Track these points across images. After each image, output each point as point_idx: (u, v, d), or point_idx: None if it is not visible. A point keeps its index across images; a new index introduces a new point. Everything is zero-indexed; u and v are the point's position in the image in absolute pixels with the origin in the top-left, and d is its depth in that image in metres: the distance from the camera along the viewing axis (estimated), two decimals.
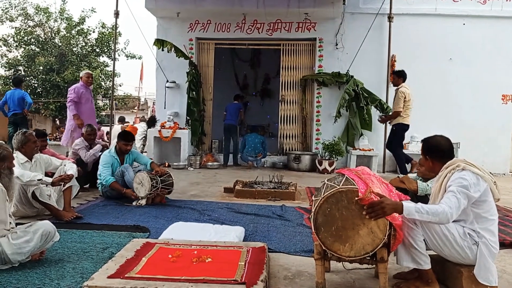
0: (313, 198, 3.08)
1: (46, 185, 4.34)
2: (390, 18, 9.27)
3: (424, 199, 4.00)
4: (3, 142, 3.36)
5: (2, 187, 2.98)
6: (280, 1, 9.81)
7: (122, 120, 13.28)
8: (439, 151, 3.00)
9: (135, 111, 32.66)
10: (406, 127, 7.64)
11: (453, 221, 2.84)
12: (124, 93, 29.82)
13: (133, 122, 26.38)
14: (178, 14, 9.61)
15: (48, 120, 26.11)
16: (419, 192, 4.08)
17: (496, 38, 9.49)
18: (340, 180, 2.97)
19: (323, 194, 2.92)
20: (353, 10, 9.64)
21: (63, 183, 4.47)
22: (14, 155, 4.48)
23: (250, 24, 9.87)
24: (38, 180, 4.20)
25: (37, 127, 27.10)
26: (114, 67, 10.69)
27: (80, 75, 7.87)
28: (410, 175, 4.48)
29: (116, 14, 9.67)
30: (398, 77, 7.64)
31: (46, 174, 4.71)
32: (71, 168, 4.66)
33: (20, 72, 22.62)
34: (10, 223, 3.09)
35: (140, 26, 9.61)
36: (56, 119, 24.04)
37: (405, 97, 7.45)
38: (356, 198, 2.77)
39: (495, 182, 2.84)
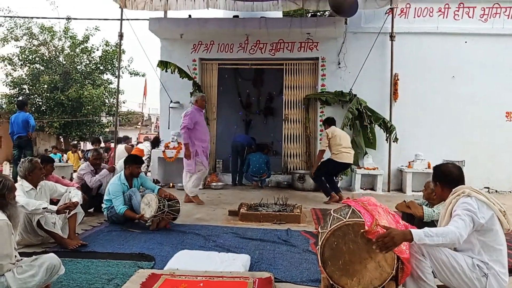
0: (319, 230, 3.07)
1: (51, 213, 4.35)
2: (392, 37, 9.31)
3: (430, 225, 3.98)
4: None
5: (8, 221, 2.98)
6: (282, 21, 9.93)
7: (125, 139, 13.29)
8: (450, 178, 3.03)
9: (139, 127, 32.81)
10: (337, 164, 7.65)
11: (461, 252, 2.84)
12: (128, 109, 30.01)
13: (137, 139, 26.51)
14: (181, 35, 9.69)
15: (52, 138, 26.21)
16: (425, 218, 4.06)
17: (498, 55, 9.51)
18: (347, 212, 2.96)
19: (330, 227, 2.91)
20: (355, 29, 9.69)
21: (68, 210, 4.47)
22: (19, 182, 4.52)
23: (253, 45, 9.94)
24: (43, 208, 4.21)
25: (41, 145, 27.23)
26: (119, 86, 10.76)
27: (194, 99, 7.40)
28: (416, 200, 4.45)
29: (120, 36, 9.78)
30: (324, 124, 8.20)
31: (51, 201, 4.72)
32: (76, 195, 4.67)
33: (24, 90, 22.80)
34: (15, 256, 3.08)
35: (144, 43, 9.67)
36: (60, 137, 24.13)
37: (328, 136, 7.75)
38: (362, 231, 2.77)
39: (504, 212, 2.83)
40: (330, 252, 2.85)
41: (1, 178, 3.06)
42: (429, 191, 4.27)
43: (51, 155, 14.22)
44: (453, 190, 2.96)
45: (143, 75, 24.38)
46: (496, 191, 9.43)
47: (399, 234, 2.55)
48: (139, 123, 33.10)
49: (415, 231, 2.58)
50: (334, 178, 7.95)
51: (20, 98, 21.14)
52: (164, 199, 5.25)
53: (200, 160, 7.24)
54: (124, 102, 26.35)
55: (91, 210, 6.21)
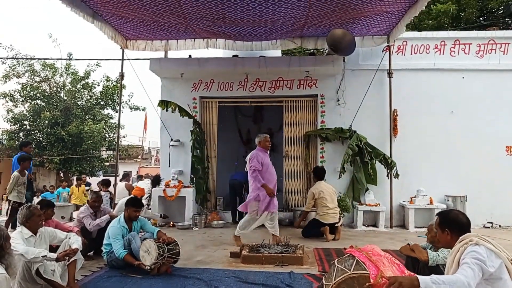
0: (324, 282, 3.02)
1: (51, 261, 4.29)
2: (389, 73, 9.44)
3: (435, 269, 3.93)
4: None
5: (6, 274, 2.93)
6: (281, 60, 10.10)
7: (126, 176, 13.27)
8: (459, 226, 3.02)
9: (139, 160, 32.84)
10: (322, 224, 7.81)
11: None
12: (128, 143, 30.10)
13: (137, 172, 26.42)
14: (182, 74, 9.83)
15: (52, 173, 26.19)
16: (430, 262, 3.99)
17: (496, 90, 9.61)
18: (351, 263, 2.92)
19: (334, 279, 2.86)
20: (353, 66, 9.83)
21: (67, 257, 4.41)
22: (19, 229, 4.48)
23: (253, 83, 10.06)
24: (43, 256, 4.16)
25: (41, 180, 27.17)
26: (119, 124, 10.83)
27: (258, 140, 7.21)
28: (420, 243, 4.39)
29: (121, 76, 9.91)
30: (313, 175, 8.41)
31: (51, 247, 4.67)
32: (76, 242, 4.62)
33: (25, 126, 22.93)
34: None
35: (145, 79, 9.85)
36: (60, 172, 24.11)
37: (314, 196, 7.94)
38: (367, 284, 2.73)
39: None
40: None
41: None
42: (433, 234, 4.21)
43: (60, 189, 14.20)
44: (460, 238, 2.93)
45: (143, 110, 24.62)
46: (499, 226, 9.34)
47: (406, 281, 2.53)
48: (139, 157, 33.15)
49: (422, 278, 2.56)
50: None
51: (22, 139, 21.28)
52: (163, 244, 5.17)
53: (257, 206, 6.92)
54: (124, 137, 26.46)
55: (91, 253, 6.13)
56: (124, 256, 5.28)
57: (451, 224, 3.05)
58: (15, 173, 8.03)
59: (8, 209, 8.03)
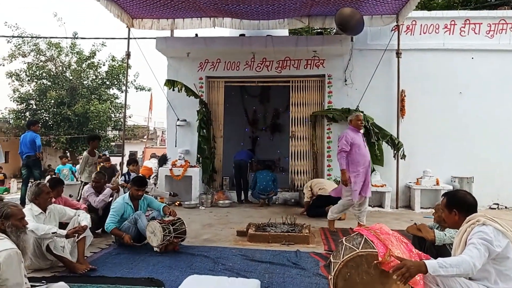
0: (331, 259, 3.03)
1: (60, 237, 4.35)
2: (398, 54, 9.32)
3: (442, 248, 3.94)
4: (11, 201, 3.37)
5: (17, 249, 2.97)
6: (289, 40, 10.00)
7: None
8: (467, 206, 3.02)
9: (145, 141, 32.93)
10: (325, 197, 7.83)
11: (476, 281, 2.80)
12: (134, 123, 30.15)
13: (142, 152, 26.51)
14: (188, 54, 9.76)
15: (59, 153, 26.34)
16: (437, 242, 4.00)
17: (505, 71, 9.49)
18: (359, 241, 2.93)
19: (342, 257, 2.88)
20: (361, 46, 9.72)
21: (77, 234, 4.47)
22: (28, 206, 4.53)
23: (259, 62, 9.99)
24: (53, 233, 4.22)
25: (47, 160, 27.39)
26: (126, 104, 10.80)
27: (349, 119, 6.75)
28: (427, 223, 4.40)
29: (128, 55, 9.86)
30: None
31: (60, 224, 4.72)
32: (85, 219, 4.67)
33: (31, 105, 22.98)
34: (25, 283, 3.07)
35: (151, 59, 9.77)
36: (67, 152, 24.26)
37: (309, 186, 8.27)
38: (376, 262, 2.74)
39: None
40: (343, 283, 2.82)
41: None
42: (440, 213, 4.22)
43: (60, 166, 14.07)
44: (467, 218, 2.93)
45: (149, 90, 24.56)
46: (505, 207, 9.33)
47: (414, 265, 2.54)
48: (145, 137, 33.23)
49: (429, 263, 2.57)
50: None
51: (28, 118, 21.30)
52: (168, 224, 5.20)
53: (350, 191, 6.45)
54: (130, 117, 26.51)
55: (99, 231, 6.19)
56: (112, 230, 5.39)
57: (459, 204, 3.04)
58: (85, 153, 7.94)
59: (80, 189, 7.88)
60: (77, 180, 12.07)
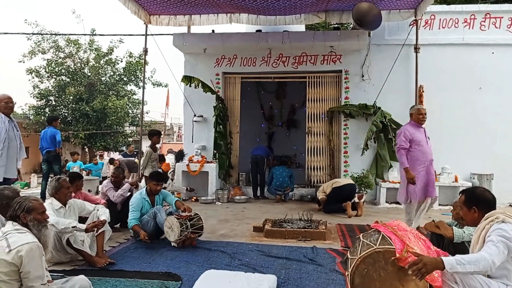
0: (348, 256, 3.04)
1: (80, 232, 4.43)
2: (416, 48, 9.20)
3: (461, 245, 3.90)
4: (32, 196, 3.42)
5: (38, 243, 3.03)
6: (305, 35, 9.95)
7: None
8: (486, 202, 3.00)
9: (162, 136, 33.15)
10: (339, 189, 7.94)
11: (495, 279, 2.77)
12: (151, 119, 30.40)
13: (159, 147, 26.71)
14: (205, 50, 9.79)
15: (78, 148, 26.68)
16: (455, 239, 3.95)
17: None
18: (376, 238, 2.92)
19: (360, 253, 2.88)
20: (378, 41, 9.62)
21: (96, 228, 4.54)
22: (49, 201, 4.61)
23: (276, 58, 9.97)
24: (73, 227, 4.30)
25: (66, 155, 27.79)
26: (143, 101, 10.87)
27: (410, 112, 6.37)
28: (445, 220, 4.35)
29: (145, 51, 9.94)
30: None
31: (80, 219, 4.81)
32: (104, 213, 4.75)
33: (51, 101, 23.35)
34: (46, 276, 3.13)
35: (168, 55, 9.82)
36: (85, 147, 24.60)
37: (324, 188, 8.24)
38: (393, 258, 2.73)
39: None
40: (360, 280, 2.81)
41: (20, 199, 3.13)
42: (458, 210, 4.17)
43: (71, 163, 14.19)
44: (486, 215, 2.90)
45: (166, 86, 24.74)
46: None
47: (431, 262, 2.52)
48: (162, 133, 33.45)
49: (447, 259, 2.54)
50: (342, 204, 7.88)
51: (48, 114, 21.63)
52: (186, 219, 5.25)
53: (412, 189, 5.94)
54: (147, 113, 26.79)
55: (117, 225, 6.29)
56: (133, 226, 5.45)
57: (478, 201, 3.02)
58: (147, 149, 7.90)
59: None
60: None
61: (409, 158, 5.98)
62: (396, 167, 9.27)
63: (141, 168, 7.84)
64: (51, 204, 4.51)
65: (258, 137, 13.27)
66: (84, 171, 13.43)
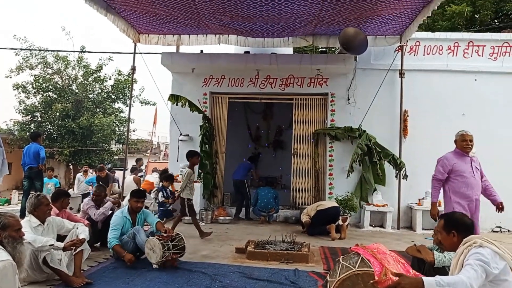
0: (328, 278, 3.01)
1: (58, 250, 4.33)
2: (401, 74, 9.37)
3: (441, 270, 3.89)
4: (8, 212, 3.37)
5: (12, 261, 2.96)
6: (293, 58, 10.08)
7: (134, 170, 13.30)
8: (465, 226, 3.03)
9: (148, 155, 32.98)
10: (324, 212, 7.90)
11: None
12: (138, 137, 30.27)
13: (145, 166, 26.51)
14: (193, 69, 9.83)
15: (62, 165, 26.39)
16: (436, 264, 3.95)
17: (509, 93, 9.48)
18: (356, 260, 2.91)
19: (339, 275, 2.86)
20: (364, 66, 9.77)
21: (74, 247, 4.45)
22: (27, 218, 4.53)
23: (263, 79, 10.04)
24: (50, 245, 4.20)
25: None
26: (129, 118, 10.87)
27: (455, 138, 5.74)
28: (427, 244, 4.35)
29: (133, 69, 9.95)
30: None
31: (59, 237, 4.71)
32: (83, 232, 4.67)
33: (37, 117, 23.13)
34: None
35: (156, 73, 9.84)
36: (70, 164, 24.31)
37: (308, 211, 8.15)
38: (372, 281, 2.72)
39: None
40: None
41: None
42: (438, 235, 4.18)
43: (45, 179, 13.58)
44: (464, 240, 2.92)
45: (154, 104, 24.72)
46: (508, 230, 9.24)
47: (411, 282, 2.53)
48: (148, 151, 33.29)
49: (426, 280, 2.55)
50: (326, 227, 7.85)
51: (33, 130, 21.41)
52: (168, 240, 5.17)
53: None
54: (134, 131, 26.60)
55: (97, 244, 6.17)
56: (113, 246, 5.34)
57: (458, 226, 3.05)
58: (188, 170, 7.57)
59: (185, 207, 7.43)
60: None
61: (451, 191, 5.41)
62: (380, 190, 9.32)
63: (179, 189, 7.58)
64: (29, 222, 4.43)
65: (244, 157, 13.23)
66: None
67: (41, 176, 8.81)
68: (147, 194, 8.44)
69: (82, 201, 10.66)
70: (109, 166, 26.66)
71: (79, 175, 13.25)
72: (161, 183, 8.23)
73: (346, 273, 2.82)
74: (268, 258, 5.70)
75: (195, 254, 6.04)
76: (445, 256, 3.95)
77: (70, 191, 11.97)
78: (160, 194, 7.81)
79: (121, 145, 26.03)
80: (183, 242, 5.35)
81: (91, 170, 13.06)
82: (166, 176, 8.73)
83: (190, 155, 7.68)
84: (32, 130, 21.55)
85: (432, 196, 5.54)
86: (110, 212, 6.38)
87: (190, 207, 7.41)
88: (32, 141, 8.91)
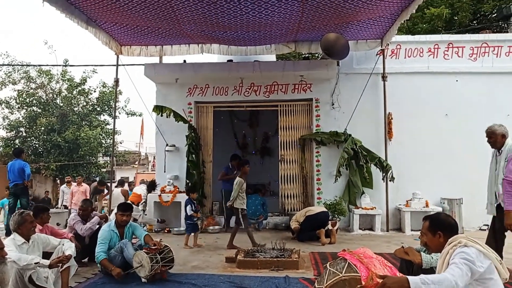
0: (315, 285, 3.02)
1: (44, 268, 4.27)
2: (384, 77, 9.48)
3: (429, 271, 3.92)
4: None
5: None
6: (276, 65, 10.15)
7: (122, 183, 13.21)
8: (450, 226, 3.06)
9: (136, 166, 32.75)
10: (313, 217, 7.94)
11: None
12: (125, 149, 30.06)
13: (134, 178, 26.33)
14: (176, 80, 9.83)
15: (49, 180, 26.09)
16: (424, 265, 3.97)
17: (490, 93, 9.64)
18: (343, 266, 2.92)
19: (326, 282, 2.87)
20: (347, 70, 9.86)
21: (61, 264, 4.39)
22: (12, 236, 4.46)
23: (248, 87, 10.07)
24: (36, 263, 4.14)
25: (37, 187, 27.09)
26: (114, 129, 10.82)
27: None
28: (414, 246, 4.38)
29: (116, 81, 9.91)
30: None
31: (45, 254, 4.65)
32: (70, 248, 4.60)
33: (21, 133, 22.90)
34: None
35: (140, 84, 9.80)
36: (57, 179, 24.05)
37: (297, 218, 8.15)
38: (358, 286, 2.73)
39: (501, 261, 2.82)
40: None
41: None
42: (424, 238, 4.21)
43: (4, 200, 12.94)
44: (449, 240, 2.95)
45: (140, 115, 24.62)
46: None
47: (396, 281, 2.56)
48: (136, 163, 33.07)
49: (412, 279, 2.58)
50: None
51: (17, 146, 21.16)
52: (156, 253, 5.13)
53: None
54: (121, 143, 26.42)
55: (85, 260, 6.10)
56: (101, 260, 5.29)
57: (443, 226, 3.07)
58: (239, 179, 7.37)
59: (239, 217, 7.32)
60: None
61: None
62: (368, 193, 9.37)
63: (230, 199, 7.51)
64: (13, 240, 4.36)
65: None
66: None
67: (27, 192, 8.73)
68: (134, 206, 8.39)
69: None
70: (97, 179, 26.46)
71: (63, 187, 13.05)
72: (189, 195, 7.95)
73: (333, 279, 2.83)
74: (258, 266, 5.69)
75: (185, 265, 6.00)
76: (432, 257, 3.98)
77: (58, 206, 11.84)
78: (188, 207, 7.61)
79: (108, 158, 25.83)
80: (172, 254, 5.32)
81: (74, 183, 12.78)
82: (191, 188, 8.40)
83: (243, 163, 7.59)
84: (17, 146, 21.31)
85: (505, 203, 4.69)
86: (97, 226, 6.31)
87: (244, 217, 7.33)
88: (15, 157, 8.81)
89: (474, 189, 9.17)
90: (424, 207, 9.01)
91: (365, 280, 2.73)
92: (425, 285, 2.53)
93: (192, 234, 7.60)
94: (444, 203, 9.22)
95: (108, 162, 26.21)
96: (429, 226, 3.12)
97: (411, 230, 8.93)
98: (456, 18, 16.78)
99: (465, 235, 2.94)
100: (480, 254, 2.74)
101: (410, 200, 9.18)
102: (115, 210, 7.89)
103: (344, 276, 2.82)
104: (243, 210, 7.33)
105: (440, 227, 3.08)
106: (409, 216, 9.00)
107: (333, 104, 9.83)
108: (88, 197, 11.24)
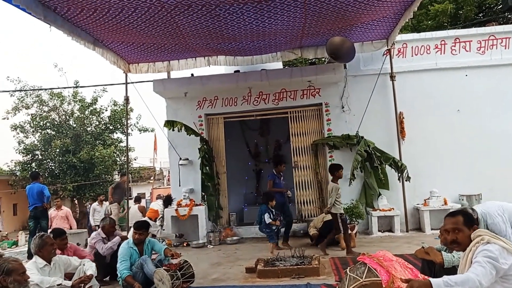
0: None
1: None
2: (392, 77, 9.43)
3: (452, 270, 3.86)
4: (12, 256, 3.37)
5: None
6: (283, 72, 10.16)
7: (138, 200, 13.29)
8: (478, 221, 3.04)
9: (151, 182, 32.93)
10: (327, 223, 7.85)
11: None
12: (139, 165, 30.22)
13: (150, 194, 26.42)
14: (185, 94, 9.92)
15: (67, 201, 26.35)
16: (446, 264, 3.92)
17: (500, 85, 9.53)
18: (363, 271, 2.90)
19: (347, 287, 2.84)
20: (355, 73, 9.83)
21: (82, 284, 4.43)
22: (33, 259, 4.52)
23: (256, 96, 10.10)
24: (58, 285, 4.19)
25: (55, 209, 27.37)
26: (128, 147, 10.92)
27: None
28: (435, 245, 4.33)
29: (126, 99, 10.02)
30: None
31: (67, 275, 4.70)
32: (90, 268, 4.66)
33: (37, 156, 23.19)
34: None
35: (150, 100, 9.91)
36: (75, 199, 24.27)
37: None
38: None
39: None
40: None
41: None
42: (446, 235, 4.15)
43: None
44: (472, 236, 2.90)
45: (152, 130, 24.76)
46: None
47: (420, 285, 2.52)
48: (152, 178, 33.25)
49: (435, 281, 2.55)
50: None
51: (34, 169, 21.43)
52: (176, 270, 5.15)
53: None
54: (135, 159, 26.62)
55: (107, 279, 6.14)
56: (125, 277, 5.31)
57: (475, 221, 3.04)
58: (334, 184, 7.40)
59: (339, 223, 7.26)
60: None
61: None
62: (385, 195, 9.28)
63: (328, 205, 7.39)
64: (35, 263, 4.42)
65: (246, 175, 13.24)
66: None
67: (47, 215, 8.82)
68: (152, 222, 8.44)
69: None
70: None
71: (94, 204, 13.11)
72: (267, 203, 7.87)
73: (353, 285, 2.82)
74: (279, 275, 5.68)
75: (205, 278, 6.00)
76: (453, 256, 3.93)
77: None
78: (266, 215, 7.55)
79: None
80: (192, 270, 5.36)
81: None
82: (269, 196, 8.26)
83: (335, 169, 7.62)
84: (33, 169, 21.59)
85: None
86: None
87: (343, 222, 7.32)
88: (33, 181, 8.93)
89: (491, 183, 9.12)
90: (442, 205, 8.91)
91: (386, 284, 2.71)
92: (447, 286, 2.50)
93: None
94: (463, 199, 9.10)
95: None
96: (464, 221, 2.98)
97: (431, 229, 8.82)
98: (461, 12, 16.66)
99: (487, 231, 2.90)
100: (503, 251, 2.70)
101: (428, 198, 9.08)
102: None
103: (364, 281, 2.80)
104: (342, 214, 7.36)
105: (475, 221, 3.04)
106: (428, 215, 8.90)
107: (343, 107, 9.80)
108: (69, 221, 11.16)
